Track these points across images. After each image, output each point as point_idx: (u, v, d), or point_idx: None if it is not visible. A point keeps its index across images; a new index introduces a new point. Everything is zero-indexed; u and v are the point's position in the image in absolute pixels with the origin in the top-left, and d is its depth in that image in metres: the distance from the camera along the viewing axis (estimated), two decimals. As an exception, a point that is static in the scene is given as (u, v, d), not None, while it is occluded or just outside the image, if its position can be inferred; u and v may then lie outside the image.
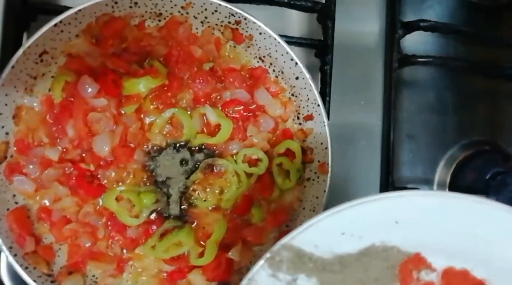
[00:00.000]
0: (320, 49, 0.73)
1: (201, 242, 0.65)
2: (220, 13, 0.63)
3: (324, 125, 0.63)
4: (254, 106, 0.67)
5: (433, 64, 0.80)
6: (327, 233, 0.47)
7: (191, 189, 0.66)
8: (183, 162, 0.66)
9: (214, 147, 0.66)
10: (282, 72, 0.66)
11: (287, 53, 0.62)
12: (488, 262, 0.48)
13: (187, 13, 0.64)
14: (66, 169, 0.63)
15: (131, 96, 0.64)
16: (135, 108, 0.64)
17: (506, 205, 0.47)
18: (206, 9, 0.63)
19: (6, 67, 0.57)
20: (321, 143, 0.64)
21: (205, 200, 0.66)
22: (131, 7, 0.62)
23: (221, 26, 0.65)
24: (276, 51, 0.63)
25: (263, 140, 0.66)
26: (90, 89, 0.61)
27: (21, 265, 0.58)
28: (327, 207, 0.63)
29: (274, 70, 0.67)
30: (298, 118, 0.67)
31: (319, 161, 0.65)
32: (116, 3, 0.60)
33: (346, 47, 0.77)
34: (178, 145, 0.66)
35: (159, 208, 0.65)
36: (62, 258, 0.63)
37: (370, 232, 0.48)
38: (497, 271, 0.48)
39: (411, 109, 0.82)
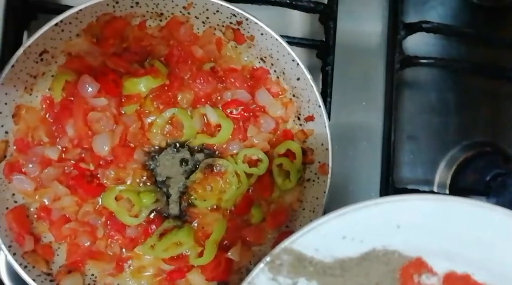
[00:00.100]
0: (321, 50, 0.73)
1: (201, 242, 0.65)
2: (221, 13, 0.62)
3: (325, 126, 0.63)
4: (255, 106, 0.66)
5: (435, 66, 0.79)
6: (328, 237, 0.47)
7: (191, 189, 0.66)
8: (183, 162, 0.66)
9: (214, 147, 0.66)
10: (283, 73, 0.65)
11: (288, 54, 0.61)
12: (490, 267, 0.48)
13: (189, 13, 0.64)
14: (66, 168, 0.63)
15: (131, 95, 0.64)
16: (136, 107, 0.64)
17: (507, 209, 0.47)
18: (207, 9, 0.63)
19: (6, 66, 0.57)
20: (322, 144, 0.64)
21: (204, 200, 0.66)
22: (132, 7, 0.62)
23: (223, 26, 0.65)
24: (278, 51, 0.63)
25: (263, 141, 0.66)
26: (90, 89, 0.61)
27: (20, 264, 0.58)
28: (327, 208, 0.63)
29: (275, 71, 0.67)
30: (298, 118, 0.67)
31: (319, 162, 0.65)
32: (117, 2, 0.60)
33: (348, 47, 0.76)
34: (178, 145, 0.66)
35: (158, 208, 0.65)
36: (61, 257, 0.63)
37: (371, 236, 0.47)
38: (499, 275, 0.48)
39: (412, 110, 0.82)
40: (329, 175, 0.62)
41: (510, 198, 0.75)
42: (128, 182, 0.64)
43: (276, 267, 0.47)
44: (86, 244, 0.63)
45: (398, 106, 0.76)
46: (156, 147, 0.65)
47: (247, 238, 0.66)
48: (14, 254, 0.59)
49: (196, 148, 0.66)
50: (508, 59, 0.84)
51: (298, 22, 0.78)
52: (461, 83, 0.84)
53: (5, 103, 0.60)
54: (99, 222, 0.63)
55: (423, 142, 0.82)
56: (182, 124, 0.65)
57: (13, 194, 0.62)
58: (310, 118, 0.65)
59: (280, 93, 0.67)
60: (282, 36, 0.62)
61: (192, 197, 0.66)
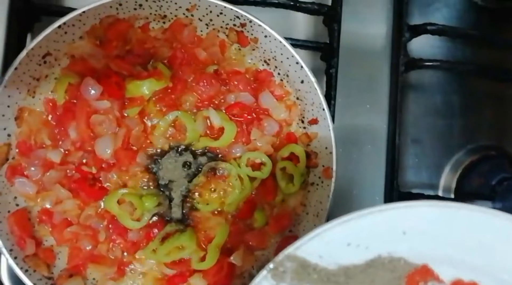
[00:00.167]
0: (325, 52, 0.73)
1: (203, 246, 0.64)
2: (225, 15, 0.62)
3: (329, 130, 0.62)
4: (259, 109, 0.66)
5: (440, 68, 0.79)
6: (332, 243, 0.46)
7: (194, 192, 0.65)
8: (185, 165, 0.66)
9: (217, 151, 0.66)
10: (287, 76, 0.65)
11: (292, 56, 0.61)
12: (497, 275, 0.47)
13: (192, 15, 0.64)
14: (68, 171, 0.63)
15: (134, 98, 0.63)
16: (138, 110, 0.64)
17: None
18: (211, 12, 0.62)
19: (9, 69, 0.57)
20: (326, 148, 0.64)
21: (207, 204, 0.65)
22: (135, 9, 0.62)
23: (226, 28, 0.65)
24: (281, 54, 0.63)
25: (267, 144, 0.66)
26: (93, 91, 0.61)
27: (21, 268, 0.58)
28: (331, 212, 0.62)
29: (279, 73, 0.66)
30: (302, 122, 0.67)
31: (323, 166, 0.65)
32: (120, 5, 0.60)
33: (352, 50, 0.76)
34: (181, 148, 0.66)
35: (161, 212, 0.65)
36: (62, 261, 0.63)
37: (377, 243, 0.47)
38: (506, 284, 0.47)
39: (417, 112, 0.82)
40: (333, 179, 0.62)
41: (517, 203, 0.74)
42: (131, 186, 0.64)
43: (279, 274, 0.46)
44: (87, 248, 0.63)
45: (402, 108, 0.75)
46: (159, 150, 0.65)
47: (250, 243, 0.65)
48: (15, 257, 0.58)
49: (199, 151, 0.66)
50: (513, 61, 0.83)
51: (302, 24, 0.77)
52: (466, 86, 0.83)
53: (8, 106, 0.60)
54: (101, 225, 0.63)
55: (428, 145, 0.82)
56: (185, 127, 0.65)
57: (15, 197, 0.62)
58: (314, 121, 0.65)
59: (283, 95, 0.67)
60: (286, 38, 0.61)
61: (195, 201, 0.65)
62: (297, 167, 0.66)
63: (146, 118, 0.64)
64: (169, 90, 0.64)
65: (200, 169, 0.66)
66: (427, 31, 0.75)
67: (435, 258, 0.47)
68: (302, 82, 0.63)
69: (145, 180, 0.65)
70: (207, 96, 0.65)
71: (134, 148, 0.64)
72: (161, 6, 0.62)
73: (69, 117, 0.62)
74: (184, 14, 0.64)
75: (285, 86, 0.66)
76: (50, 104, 0.63)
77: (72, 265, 0.62)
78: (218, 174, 0.65)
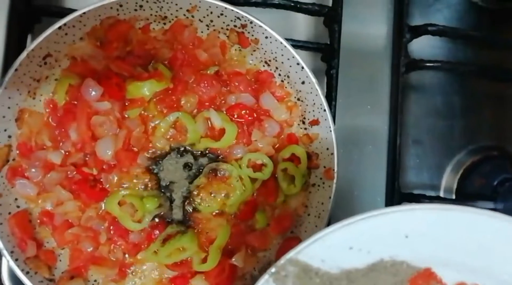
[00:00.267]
0: (326, 53, 0.73)
1: (204, 248, 0.64)
2: (225, 16, 0.62)
3: (330, 130, 0.62)
4: (259, 110, 0.66)
5: (441, 69, 0.79)
6: (334, 247, 0.46)
7: (195, 193, 0.65)
8: (186, 166, 0.66)
9: (218, 152, 0.66)
10: (288, 76, 0.65)
11: (293, 57, 0.61)
12: (501, 278, 0.47)
13: (193, 16, 0.64)
14: (69, 173, 0.62)
15: (135, 99, 0.63)
16: (139, 111, 0.64)
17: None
18: (211, 13, 0.62)
19: (9, 70, 0.57)
20: (327, 149, 0.63)
21: (208, 205, 0.65)
22: (136, 10, 0.62)
23: (227, 29, 0.65)
24: (282, 55, 0.62)
25: (268, 145, 0.66)
26: (93, 92, 0.61)
27: (22, 270, 0.58)
28: (332, 213, 0.62)
29: (280, 74, 0.66)
30: (303, 122, 0.67)
31: (324, 167, 0.64)
32: (121, 6, 0.60)
33: (353, 50, 0.76)
34: (182, 149, 0.66)
35: (162, 213, 0.65)
36: (63, 262, 0.63)
37: (379, 247, 0.47)
38: (508, 285, 0.47)
39: (418, 113, 0.82)
40: (335, 180, 0.62)
41: (519, 204, 0.74)
42: (131, 187, 0.64)
43: (281, 279, 0.46)
44: (89, 250, 0.62)
45: (403, 109, 0.75)
46: (160, 151, 0.65)
47: (252, 244, 0.65)
48: (17, 259, 0.58)
49: (200, 152, 0.66)
50: (514, 61, 0.83)
51: (303, 25, 0.77)
52: (467, 86, 0.83)
53: (8, 107, 0.60)
54: (102, 227, 0.63)
55: (429, 146, 0.82)
56: (186, 128, 0.64)
57: (16, 199, 0.61)
58: (315, 122, 0.65)
59: (284, 96, 0.66)
60: (287, 39, 0.61)
61: (196, 202, 0.65)
62: (298, 168, 0.65)
63: (146, 119, 0.64)
64: (170, 91, 0.64)
65: (201, 170, 0.65)
66: (428, 32, 0.75)
67: (438, 262, 0.47)
68: (303, 83, 0.63)
69: (146, 181, 0.64)
70: (208, 97, 0.65)
71: (135, 149, 0.64)
72: (162, 7, 0.62)
73: (70, 119, 0.62)
74: (184, 15, 0.64)
75: (286, 87, 0.66)
76: (51, 105, 0.62)
77: (73, 267, 0.62)
78: (219, 175, 0.65)
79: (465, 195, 0.81)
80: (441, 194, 0.81)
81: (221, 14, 0.62)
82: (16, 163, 0.61)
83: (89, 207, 0.63)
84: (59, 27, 0.57)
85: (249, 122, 0.66)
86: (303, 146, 0.66)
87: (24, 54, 0.56)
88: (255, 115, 0.66)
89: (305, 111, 0.66)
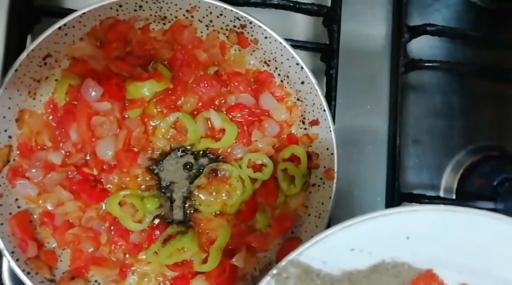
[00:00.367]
0: (325, 53, 0.73)
1: (205, 248, 0.64)
2: (225, 16, 0.62)
3: (330, 130, 0.62)
4: (259, 110, 0.66)
5: (440, 69, 0.79)
6: (335, 249, 0.46)
7: (195, 194, 0.65)
8: (187, 166, 0.66)
9: (219, 152, 0.66)
10: (288, 77, 0.65)
11: (292, 57, 0.61)
12: (503, 280, 0.47)
13: (192, 16, 0.64)
14: (69, 173, 0.62)
15: (135, 99, 0.63)
16: (139, 112, 0.64)
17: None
18: (211, 13, 0.62)
19: (9, 70, 0.57)
20: (327, 149, 0.63)
21: (209, 205, 0.65)
22: (135, 10, 0.62)
23: (226, 30, 0.65)
24: (282, 55, 0.63)
25: (268, 145, 0.66)
26: (93, 93, 0.61)
27: (23, 270, 0.58)
28: (332, 213, 0.62)
29: (279, 75, 0.66)
30: (303, 123, 0.67)
31: (324, 167, 0.64)
32: (120, 6, 0.60)
33: (352, 50, 0.76)
34: (182, 149, 0.66)
35: (162, 213, 0.65)
36: (64, 263, 0.63)
37: (380, 248, 0.46)
38: (509, 286, 0.47)
39: (417, 113, 0.82)
40: (335, 180, 0.62)
41: (519, 204, 0.74)
42: (132, 187, 0.64)
43: (282, 280, 0.46)
44: (89, 250, 0.63)
45: (403, 109, 0.75)
46: (160, 151, 0.65)
47: (252, 244, 0.65)
48: (17, 260, 0.58)
49: (200, 152, 0.66)
50: (513, 61, 0.83)
51: (302, 25, 0.78)
52: (466, 86, 0.83)
53: (9, 108, 0.60)
54: (103, 227, 0.63)
55: (428, 146, 0.82)
56: (186, 129, 0.64)
57: (16, 199, 0.61)
58: (314, 122, 0.65)
59: (284, 97, 0.67)
60: (286, 40, 0.61)
61: (196, 202, 0.65)
62: (298, 168, 0.65)
63: (147, 119, 0.64)
64: (170, 92, 0.64)
65: (201, 170, 0.65)
66: (427, 32, 0.75)
67: (439, 263, 0.47)
68: (302, 83, 0.63)
69: (147, 181, 0.64)
70: (207, 97, 0.65)
71: (135, 149, 0.64)
72: (161, 7, 0.62)
73: (70, 119, 0.62)
74: (184, 15, 0.64)
75: (285, 87, 0.66)
76: (51, 105, 0.62)
77: (74, 267, 0.62)
78: (219, 175, 0.65)
79: (465, 195, 0.80)
80: (441, 194, 0.81)
81: (221, 15, 0.62)
82: (17, 163, 0.61)
83: (90, 207, 0.63)
84: (59, 28, 0.57)
85: (249, 122, 0.66)
86: (303, 146, 0.66)
87: (24, 55, 0.56)
88: (255, 115, 0.66)
89: (304, 111, 0.66)
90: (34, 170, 0.61)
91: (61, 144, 0.62)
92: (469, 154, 0.82)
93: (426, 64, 0.76)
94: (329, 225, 0.63)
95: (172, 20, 0.64)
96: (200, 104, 0.65)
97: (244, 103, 0.65)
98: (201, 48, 0.65)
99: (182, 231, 0.64)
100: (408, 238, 0.47)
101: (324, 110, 0.62)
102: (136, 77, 0.63)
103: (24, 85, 0.60)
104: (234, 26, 0.64)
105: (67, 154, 0.62)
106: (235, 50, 0.66)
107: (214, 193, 0.65)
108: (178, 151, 0.66)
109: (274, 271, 0.46)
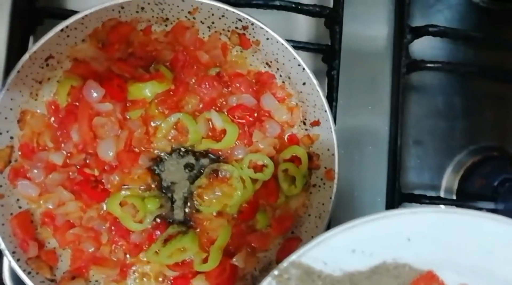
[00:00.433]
0: (327, 54, 0.73)
1: (205, 248, 0.64)
2: (227, 18, 0.62)
3: (331, 131, 0.62)
4: (260, 111, 0.66)
5: (442, 69, 0.79)
6: (337, 250, 0.46)
7: (196, 194, 0.65)
8: (188, 167, 0.66)
9: (220, 152, 0.66)
10: (289, 78, 0.65)
11: (294, 58, 0.61)
12: (503, 281, 0.47)
13: (194, 18, 0.64)
14: (70, 173, 0.63)
15: (136, 100, 0.64)
16: (141, 113, 0.64)
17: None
18: (213, 14, 0.62)
19: (11, 72, 0.57)
20: (328, 149, 0.64)
21: (209, 206, 0.65)
22: (137, 12, 0.62)
23: (228, 31, 0.65)
24: (283, 56, 0.63)
25: (268, 146, 0.66)
26: (95, 94, 0.61)
27: (24, 270, 0.58)
28: (332, 213, 0.62)
29: (281, 76, 0.66)
30: (304, 123, 0.67)
31: (325, 168, 0.65)
32: (122, 8, 0.60)
33: (354, 51, 0.76)
34: (183, 150, 0.66)
35: (163, 213, 0.65)
36: (65, 263, 0.63)
37: (381, 249, 0.47)
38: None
39: (419, 114, 0.82)
40: (336, 181, 0.62)
41: (519, 204, 0.74)
42: (133, 188, 0.64)
43: (284, 281, 0.46)
44: (90, 250, 0.63)
45: (404, 110, 0.75)
46: (161, 152, 0.65)
47: (252, 244, 0.65)
48: (18, 260, 0.58)
49: (201, 153, 0.66)
50: (515, 62, 0.83)
51: (304, 26, 0.77)
52: (467, 87, 0.83)
53: (11, 109, 0.60)
54: (103, 227, 0.63)
55: (429, 146, 0.82)
56: (187, 129, 0.65)
57: (18, 200, 0.62)
58: (316, 123, 0.65)
59: (285, 97, 0.67)
60: (288, 41, 0.61)
61: (197, 203, 0.65)
62: (299, 168, 0.66)
63: (148, 120, 0.64)
64: (171, 93, 0.64)
65: (202, 171, 0.66)
66: (429, 33, 0.75)
67: (440, 264, 0.47)
68: (304, 84, 0.63)
69: (147, 182, 0.65)
70: (209, 98, 0.65)
71: (136, 150, 0.64)
72: (163, 9, 0.62)
73: (72, 120, 0.62)
74: (186, 17, 0.64)
75: (286, 88, 0.67)
76: (53, 106, 0.63)
77: (75, 267, 0.62)
78: (220, 176, 0.65)
79: (465, 196, 0.80)
80: (442, 195, 0.81)
81: (223, 16, 0.62)
82: (18, 164, 0.62)
83: (91, 207, 0.63)
84: (61, 29, 0.57)
85: (250, 123, 0.66)
86: (304, 147, 0.66)
87: (26, 56, 0.57)
88: (256, 116, 0.66)
89: (306, 112, 0.66)
90: (35, 171, 0.61)
91: (63, 144, 0.62)
92: (470, 154, 0.82)
93: (428, 65, 0.75)
94: (329, 226, 0.63)
95: (174, 21, 0.65)
96: (201, 105, 0.65)
97: (245, 104, 0.66)
98: (203, 49, 0.65)
99: (183, 231, 0.64)
100: (409, 239, 0.47)
101: (326, 111, 0.62)
102: (138, 78, 0.63)
103: (26, 86, 0.60)
104: (236, 28, 0.64)
105: (69, 154, 0.63)
106: (236, 51, 0.66)
107: (215, 194, 0.65)
108: (179, 151, 0.66)
109: (275, 272, 0.46)
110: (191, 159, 0.66)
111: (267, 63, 0.66)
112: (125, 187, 0.64)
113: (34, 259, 0.60)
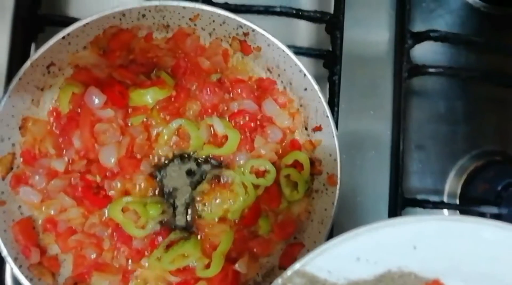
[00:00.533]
0: (328, 60, 0.73)
1: (208, 254, 0.64)
2: (228, 25, 0.62)
3: (333, 136, 0.62)
4: (262, 117, 0.66)
5: (443, 74, 0.79)
6: (341, 258, 0.45)
7: (198, 200, 0.65)
8: (189, 173, 0.66)
9: (221, 158, 0.66)
10: (291, 83, 0.65)
11: (295, 64, 0.61)
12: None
13: (195, 24, 0.64)
14: (72, 180, 0.63)
15: (138, 107, 0.64)
16: (142, 119, 0.64)
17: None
18: (214, 21, 0.63)
19: (13, 79, 0.57)
20: (330, 155, 0.63)
21: (211, 211, 0.65)
22: (138, 19, 0.62)
23: (229, 37, 0.65)
24: (285, 62, 0.63)
25: (270, 151, 0.66)
26: (97, 100, 0.62)
27: (26, 277, 0.58)
28: (335, 219, 0.62)
29: (282, 81, 0.66)
30: (306, 129, 0.67)
31: (327, 173, 0.64)
32: (124, 15, 0.60)
33: (355, 57, 0.76)
34: (185, 156, 0.66)
35: (165, 219, 0.65)
36: (67, 269, 0.63)
37: (386, 258, 0.46)
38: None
39: (421, 118, 0.81)
40: (338, 186, 0.62)
41: (523, 209, 0.74)
42: (135, 194, 0.64)
43: None
44: (92, 256, 0.63)
45: (406, 115, 0.75)
46: (163, 158, 0.65)
47: (255, 250, 0.65)
48: (20, 266, 0.58)
49: (203, 159, 0.66)
50: (516, 66, 0.83)
51: (305, 32, 0.77)
52: (469, 92, 0.83)
53: (12, 116, 0.60)
54: (106, 233, 0.63)
55: (432, 151, 0.81)
56: (188, 135, 0.65)
57: (20, 206, 0.62)
58: (317, 129, 0.65)
59: (287, 103, 0.67)
60: (289, 46, 0.61)
61: (199, 209, 0.65)
62: (301, 174, 0.65)
63: (149, 126, 0.65)
64: (173, 99, 0.65)
65: (204, 176, 0.66)
66: (430, 38, 0.75)
67: (446, 273, 0.46)
68: (305, 89, 0.63)
69: (149, 188, 0.65)
70: (210, 104, 0.65)
71: (138, 156, 0.64)
72: (164, 16, 0.63)
73: (73, 126, 0.62)
74: (187, 23, 0.64)
75: (288, 94, 0.67)
76: (54, 113, 0.63)
77: (77, 273, 0.62)
78: (222, 181, 0.65)
79: (468, 200, 0.80)
80: (445, 199, 0.81)
81: (224, 23, 0.62)
82: (20, 170, 0.62)
83: (93, 213, 0.63)
84: (63, 37, 0.58)
85: (252, 129, 0.66)
86: (306, 152, 0.66)
87: (28, 63, 0.57)
88: (258, 122, 0.66)
89: (307, 118, 0.66)
90: (37, 177, 0.62)
91: (64, 151, 0.63)
92: (473, 159, 0.82)
93: (429, 70, 0.75)
94: (332, 231, 0.63)
95: (175, 28, 0.65)
96: (203, 111, 0.65)
97: (247, 110, 0.66)
98: (204, 55, 0.65)
99: (185, 237, 0.64)
100: (414, 247, 0.46)
101: (327, 116, 0.62)
102: (139, 84, 0.63)
103: (27, 93, 0.60)
104: (237, 34, 0.64)
105: (70, 161, 0.63)
106: (238, 57, 0.67)
107: (216, 199, 0.65)
108: (181, 157, 0.66)
109: (279, 281, 0.46)
110: (192, 165, 0.66)
111: (268, 69, 0.66)
112: (127, 193, 0.64)
113: (36, 265, 0.60)
